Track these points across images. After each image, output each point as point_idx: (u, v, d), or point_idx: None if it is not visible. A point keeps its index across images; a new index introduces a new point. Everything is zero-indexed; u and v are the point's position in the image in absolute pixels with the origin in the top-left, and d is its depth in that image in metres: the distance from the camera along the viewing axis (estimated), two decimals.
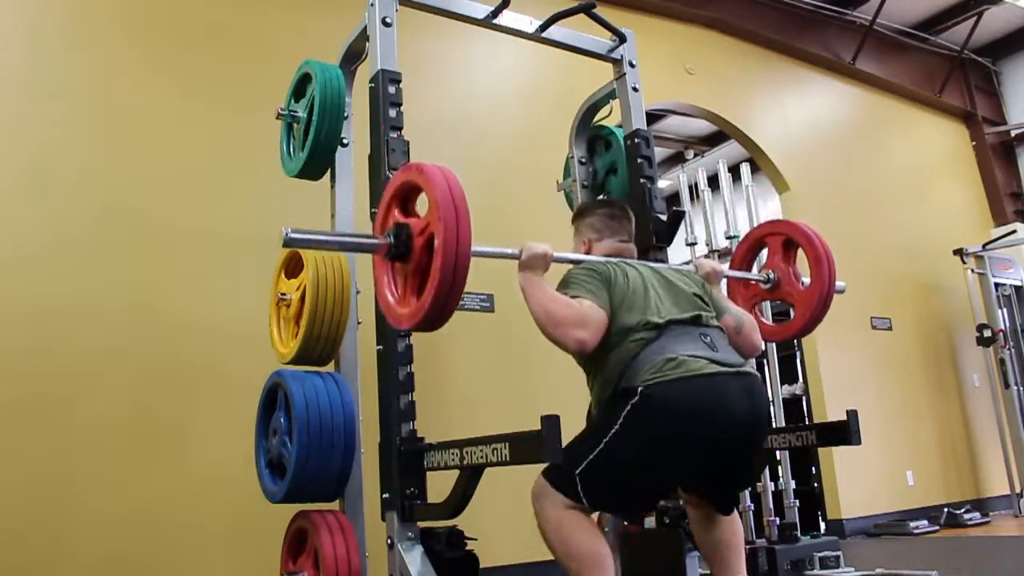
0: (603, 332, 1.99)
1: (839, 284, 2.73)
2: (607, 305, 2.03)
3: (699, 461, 1.93)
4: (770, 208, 8.13)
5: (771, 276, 2.80)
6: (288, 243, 1.82)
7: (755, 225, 4.29)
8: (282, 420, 2.37)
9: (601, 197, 3.16)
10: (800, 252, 2.79)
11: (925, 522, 5.58)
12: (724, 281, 2.61)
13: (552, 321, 1.98)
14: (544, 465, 1.91)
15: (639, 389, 1.88)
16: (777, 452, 3.46)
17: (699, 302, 2.15)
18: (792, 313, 2.83)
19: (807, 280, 2.78)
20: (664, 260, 2.88)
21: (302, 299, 2.49)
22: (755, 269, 3.05)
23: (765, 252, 2.96)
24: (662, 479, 1.97)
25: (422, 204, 1.89)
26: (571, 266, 2.26)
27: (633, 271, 2.16)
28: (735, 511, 2.18)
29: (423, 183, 1.84)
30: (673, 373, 1.89)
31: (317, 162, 2.75)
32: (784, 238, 2.82)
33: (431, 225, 1.79)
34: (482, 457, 1.87)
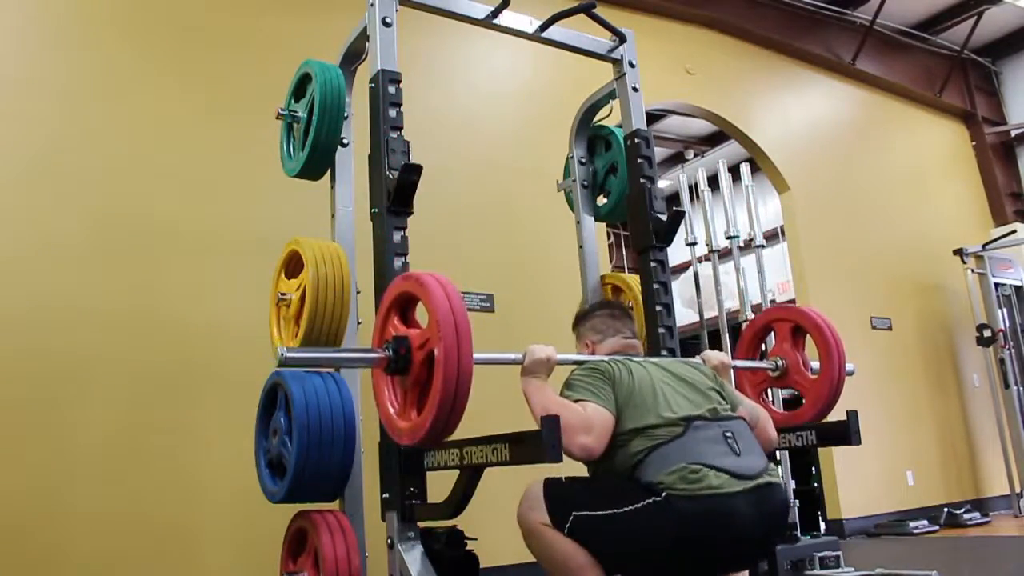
0: (609, 435, 1.91)
1: (849, 366, 2.70)
2: (612, 406, 1.95)
3: (703, 568, 1.89)
4: (770, 208, 8.14)
5: (779, 363, 2.77)
6: (284, 363, 1.82)
7: (754, 228, 4.29)
8: (282, 420, 2.37)
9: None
10: (808, 338, 2.75)
11: (925, 522, 5.58)
12: (731, 377, 2.53)
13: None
14: (545, 472, 1.88)
15: (664, 493, 1.79)
16: (777, 452, 3.46)
17: (715, 396, 2.07)
18: (803, 400, 2.79)
19: (815, 364, 2.73)
20: (664, 260, 2.88)
21: (302, 299, 2.49)
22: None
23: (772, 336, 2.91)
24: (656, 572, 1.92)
25: (421, 312, 1.86)
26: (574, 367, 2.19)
27: (639, 368, 2.07)
28: None
29: (422, 295, 1.83)
30: (695, 490, 1.79)
31: (317, 162, 2.75)
32: (792, 325, 2.77)
33: (431, 341, 1.77)
34: (482, 457, 1.87)
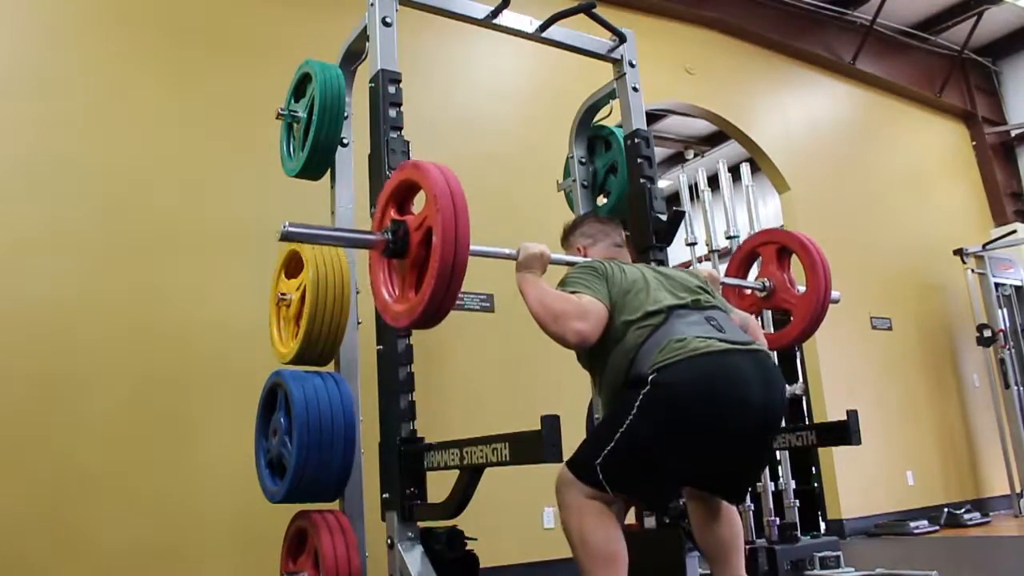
0: (603, 325, 1.96)
1: (834, 293, 2.74)
2: (607, 300, 2.00)
3: (716, 444, 1.86)
4: (770, 208, 8.14)
5: (767, 284, 2.82)
6: (286, 237, 1.84)
7: (754, 227, 4.30)
8: (282, 420, 2.37)
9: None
10: (794, 260, 2.80)
11: (925, 522, 5.58)
12: (720, 292, 2.57)
13: (551, 315, 1.95)
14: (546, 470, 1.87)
15: (649, 377, 1.83)
16: (777, 452, 3.46)
17: (702, 291, 2.11)
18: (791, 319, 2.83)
19: (803, 288, 2.78)
20: (664, 260, 2.88)
21: (302, 299, 2.49)
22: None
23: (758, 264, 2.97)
24: (681, 461, 1.88)
25: (420, 205, 1.89)
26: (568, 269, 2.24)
27: (632, 268, 2.15)
28: (735, 509, 2.16)
29: (420, 179, 1.85)
30: (680, 354, 1.83)
31: (317, 162, 2.76)
32: (778, 247, 2.83)
33: (428, 219, 1.79)
34: (482, 457, 1.87)
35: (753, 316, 2.87)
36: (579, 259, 2.27)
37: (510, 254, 2.15)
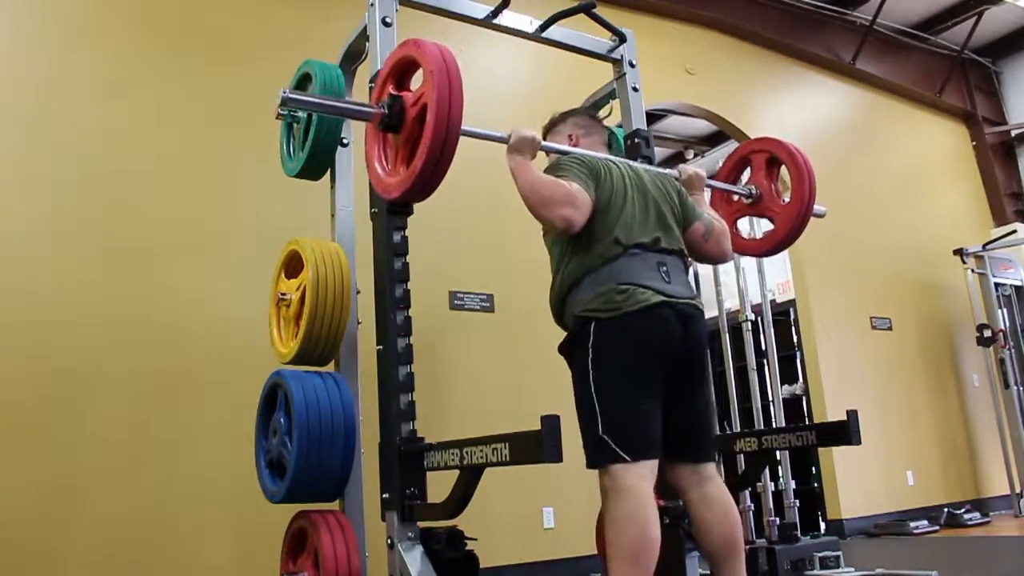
0: (589, 213, 2.08)
1: (819, 208, 2.76)
2: (594, 193, 2.11)
3: (656, 358, 2.04)
4: None
5: (753, 191, 2.82)
6: (284, 102, 1.92)
7: (754, 228, 4.30)
8: (282, 420, 2.37)
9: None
10: (783, 171, 2.82)
11: (925, 522, 5.57)
12: (708, 194, 2.64)
13: (541, 199, 2.04)
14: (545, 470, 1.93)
15: (592, 326, 2.04)
16: (777, 452, 3.46)
17: (667, 221, 2.22)
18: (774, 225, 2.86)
19: (788, 199, 2.81)
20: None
21: (302, 299, 2.49)
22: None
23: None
24: (644, 381, 2.04)
25: (417, 84, 1.95)
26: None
27: (618, 172, 2.22)
28: (732, 502, 2.18)
29: (419, 56, 1.91)
30: (619, 309, 2.03)
31: (317, 162, 2.76)
32: (768, 155, 2.83)
33: (424, 95, 1.86)
34: (482, 457, 1.87)
35: (735, 224, 2.94)
36: (571, 149, 2.31)
37: (502, 137, 2.20)
